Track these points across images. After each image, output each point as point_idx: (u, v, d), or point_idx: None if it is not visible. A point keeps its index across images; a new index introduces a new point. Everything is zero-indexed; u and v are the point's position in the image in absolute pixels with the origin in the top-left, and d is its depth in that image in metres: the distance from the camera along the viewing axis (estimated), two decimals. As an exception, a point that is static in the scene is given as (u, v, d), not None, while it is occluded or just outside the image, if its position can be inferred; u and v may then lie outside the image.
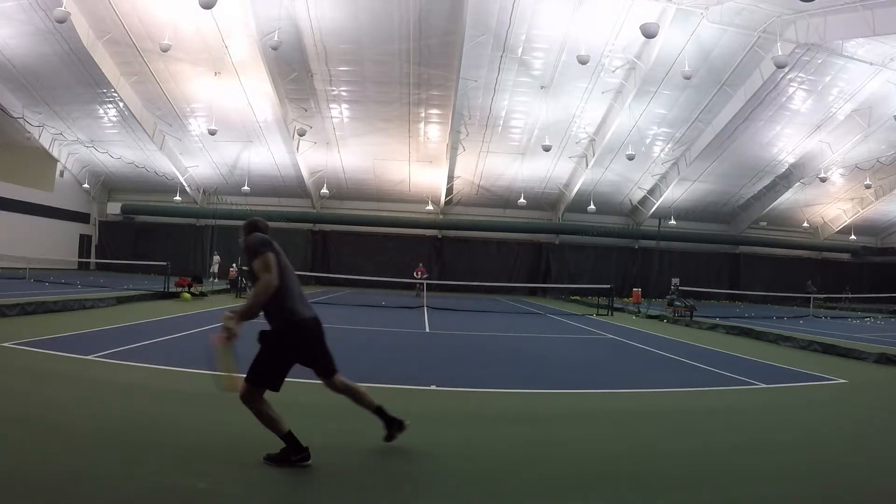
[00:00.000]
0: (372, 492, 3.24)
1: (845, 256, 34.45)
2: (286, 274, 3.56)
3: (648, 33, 16.04)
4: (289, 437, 3.48)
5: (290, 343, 3.59)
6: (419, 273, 22.14)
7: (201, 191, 29.79)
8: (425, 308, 16.86)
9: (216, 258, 24.34)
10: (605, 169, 26.52)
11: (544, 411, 5.42)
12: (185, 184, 28.31)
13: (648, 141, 24.74)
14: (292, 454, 3.45)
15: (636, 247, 31.62)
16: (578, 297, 24.66)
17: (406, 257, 29.56)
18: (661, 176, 27.74)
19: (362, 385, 6.15)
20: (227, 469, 3.41)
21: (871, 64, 19.96)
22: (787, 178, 27.64)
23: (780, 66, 17.71)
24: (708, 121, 23.10)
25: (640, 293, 23.21)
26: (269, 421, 3.49)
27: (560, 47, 19.11)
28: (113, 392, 5.18)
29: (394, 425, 3.93)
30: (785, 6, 16.89)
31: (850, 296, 28.55)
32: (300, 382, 6.04)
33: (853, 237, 33.15)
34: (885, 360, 9.18)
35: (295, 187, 28.96)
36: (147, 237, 30.32)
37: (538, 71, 20.45)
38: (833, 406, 6.31)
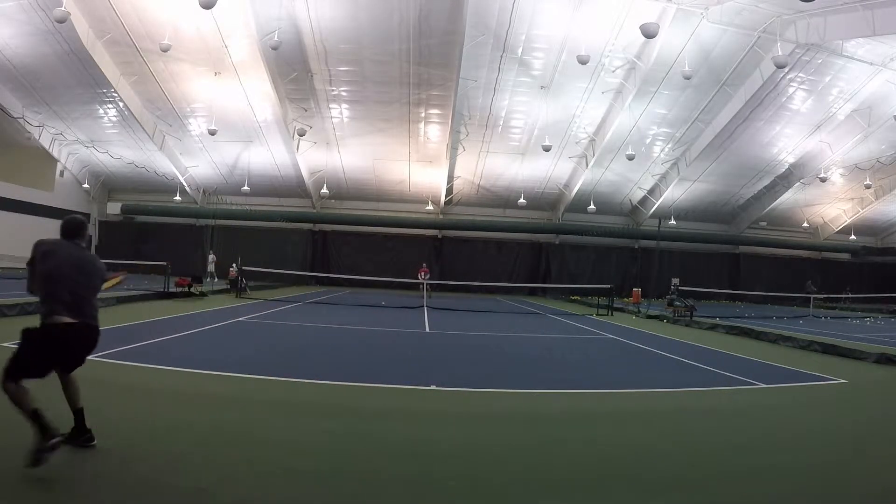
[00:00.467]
0: (372, 492, 3.24)
1: (845, 256, 34.43)
2: (51, 279, 3.50)
3: (648, 33, 16.02)
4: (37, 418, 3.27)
5: (39, 345, 3.45)
6: (422, 273, 21.99)
7: (201, 191, 29.77)
8: (425, 308, 16.86)
9: (211, 258, 24.23)
10: (605, 169, 26.51)
11: (544, 411, 5.43)
12: (185, 184, 28.30)
13: (648, 141, 24.73)
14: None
15: (636, 247, 31.62)
16: (578, 297, 24.66)
17: (406, 257, 29.57)
18: (661, 176, 27.73)
19: (363, 385, 6.18)
20: (227, 469, 3.41)
21: (871, 64, 19.94)
22: (787, 178, 27.64)
23: (780, 66, 17.70)
24: (708, 121, 23.09)
25: (640, 293, 23.22)
26: (22, 403, 3.28)
27: (560, 47, 19.10)
28: (113, 392, 5.17)
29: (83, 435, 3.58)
30: (785, 6, 16.88)
31: (850, 296, 28.53)
32: (301, 382, 6.06)
33: (853, 237, 33.13)
34: (885, 360, 9.18)
35: (295, 187, 28.95)
36: (147, 237, 30.31)
37: (538, 71, 20.44)
38: (833, 406, 6.31)
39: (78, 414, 3.61)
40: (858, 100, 22.02)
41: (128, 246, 29.70)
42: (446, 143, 24.13)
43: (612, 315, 17.57)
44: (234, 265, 19.89)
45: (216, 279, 22.90)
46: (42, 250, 3.61)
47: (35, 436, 3.14)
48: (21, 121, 22.97)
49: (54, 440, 3.17)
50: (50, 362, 3.49)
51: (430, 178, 27.67)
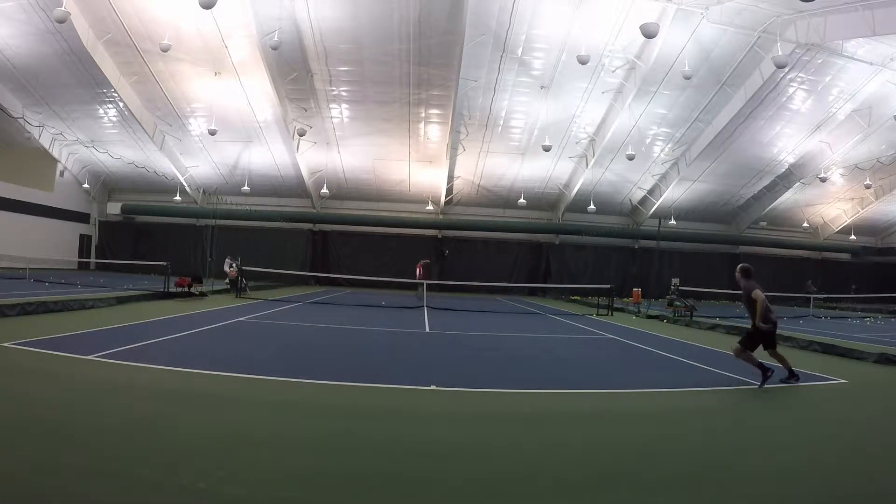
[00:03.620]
0: (372, 492, 3.24)
1: (845, 256, 34.44)
2: None
3: (648, 33, 16.02)
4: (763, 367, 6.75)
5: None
6: (420, 270, 21.49)
7: (201, 191, 29.78)
8: (425, 308, 16.86)
9: (228, 261, 22.67)
10: (605, 169, 26.51)
11: (544, 411, 5.43)
12: (185, 184, 28.31)
13: (648, 141, 24.73)
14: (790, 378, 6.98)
15: (636, 247, 31.62)
16: (578, 297, 24.66)
17: (406, 257, 29.59)
18: (661, 176, 27.73)
19: (363, 385, 6.18)
20: (227, 469, 3.41)
21: (871, 64, 19.94)
22: (787, 178, 27.64)
23: (780, 66, 17.70)
24: (708, 121, 23.09)
25: (640, 293, 23.21)
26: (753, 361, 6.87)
27: (560, 47, 19.10)
28: (113, 392, 5.18)
29: None
30: (785, 6, 16.88)
31: (856, 295, 28.50)
32: (301, 382, 6.06)
33: (853, 237, 33.14)
34: (885, 360, 9.18)
35: (295, 187, 28.97)
36: (147, 237, 30.34)
37: (538, 71, 20.44)
38: (833, 406, 6.31)
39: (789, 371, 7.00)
40: (858, 100, 22.02)
41: (128, 246, 29.81)
42: (446, 143, 24.13)
43: (612, 315, 17.57)
44: (234, 265, 19.85)
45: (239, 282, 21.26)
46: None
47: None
48: (21, 121, 22.98)
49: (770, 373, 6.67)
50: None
51: (430, 178, 27.67)
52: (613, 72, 20.29)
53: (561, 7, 17.54)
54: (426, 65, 20.17)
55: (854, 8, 16.20)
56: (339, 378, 6.37)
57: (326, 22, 18.34)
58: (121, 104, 22.52)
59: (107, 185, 30.66)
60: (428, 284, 19.77)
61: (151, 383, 5.57)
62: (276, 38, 17.57)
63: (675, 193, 28.32)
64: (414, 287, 21.29)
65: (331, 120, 23.82)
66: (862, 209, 31.21)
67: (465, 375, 7.07)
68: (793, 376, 6.97)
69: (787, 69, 19.10)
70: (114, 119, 24.28)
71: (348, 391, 5.86)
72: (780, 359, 7.03)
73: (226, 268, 22.66)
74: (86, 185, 28.97)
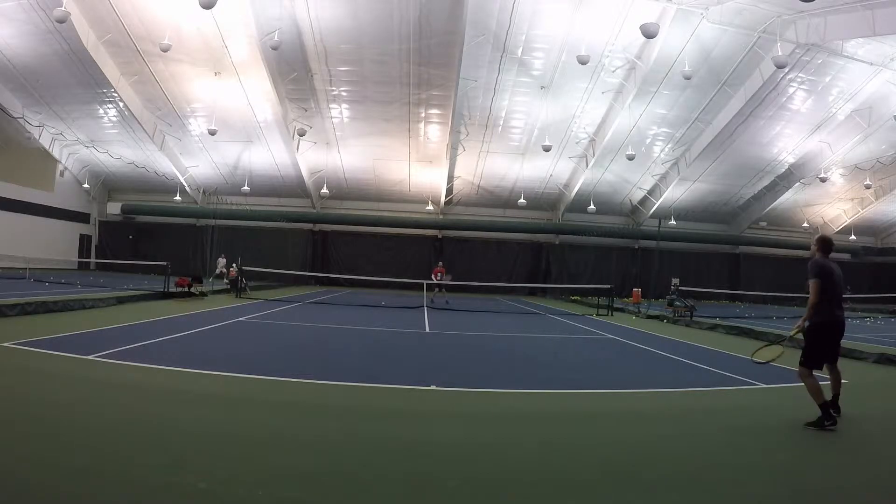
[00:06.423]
0: (372, 492, 3.24)
1: (845, 257, 34.42)
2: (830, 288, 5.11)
3: (648, 33, 16.02)
4: (824, 407, 4.81)
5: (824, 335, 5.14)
6: (438, 274, 20.31)
7: (201, 191, 29.78)
8: (425, 308, 16.85)
9: (222, 261, 23.87)
10: (605, 169, 26.52)
11: (544, 411, 5.43)
12: (185, 184, 28.31)
13: (648, 141, 24.73)
14: (825, 420, 4.77)
15: (636, 247, 31.62)
16: (578, 298, 24.67)
17: (406, 257, 29.63)
18: (661, 176, 27.73)
19: (363, 385, 6.18)
20: (227, 469, 3.41)
21: (871, 64, 19.94)
22: (787, 178, 27.64)
23: (780, 66, 17.70)
24: (708, 121, 23.09)
25: (640, 293, 23.20)
26: (815, 391, 4.90)
27: (560, 47, 19.11)
28: (113, 392, 5.18)
29: None
30: (785, 6, 16.88)
31: (855, 295, 28.46)
32: (301, 382, 6.06)
33: (853, 237, 33.14)
34: (885, 360, 9.18)
35: (295, 187, 28.97)
36: (147, 237, 30.36)
37: (538, 71, 20.44)
38: (833, 406, 6.29)
39: (834, 398, 5.13)
40: (858, 100, 22.02)
41: (128, 246, 29.82)
42: (446, 143, 24.14)
43: (612, 315, 17.57)
44: (233, 265, 19.87)
45: (226, 280, 22.16)
46: (825, 270, 5.14)
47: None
48: (21, 121, 22.98)
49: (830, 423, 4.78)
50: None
51: (430, 178, 27.67)
52: (613, 72, 20.29)
53: (561, 7, 17.55)
54: (426, 65, 20.17)
55: (854, 8, 16.19)
56: (339, 378, 6.37)
57: (326, 22, 18.34)
58: (121, 104, 22.52)
59: (107, 185, 30.66)
60: (428, 285, 19.71)
61: (151, 383, 5.57)
62: (276, 38, 17.57)
63: (675, 193, 28.32)
64: (428, 289, 20.17)
65: (331, 120, 23.82)
66: (862, 209, 31.21)
67: (465, 375, 7.07)
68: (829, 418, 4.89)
69: (787, 69, 19.11)
70: (114, 119, 24.29)
71: (348, 391, 5.86)
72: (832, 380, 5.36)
73: (219, 268, 22.82)
74: (86, 185, 28.97)
